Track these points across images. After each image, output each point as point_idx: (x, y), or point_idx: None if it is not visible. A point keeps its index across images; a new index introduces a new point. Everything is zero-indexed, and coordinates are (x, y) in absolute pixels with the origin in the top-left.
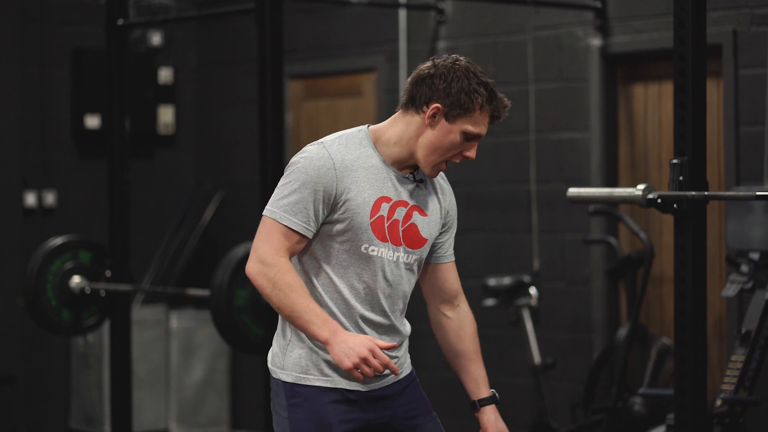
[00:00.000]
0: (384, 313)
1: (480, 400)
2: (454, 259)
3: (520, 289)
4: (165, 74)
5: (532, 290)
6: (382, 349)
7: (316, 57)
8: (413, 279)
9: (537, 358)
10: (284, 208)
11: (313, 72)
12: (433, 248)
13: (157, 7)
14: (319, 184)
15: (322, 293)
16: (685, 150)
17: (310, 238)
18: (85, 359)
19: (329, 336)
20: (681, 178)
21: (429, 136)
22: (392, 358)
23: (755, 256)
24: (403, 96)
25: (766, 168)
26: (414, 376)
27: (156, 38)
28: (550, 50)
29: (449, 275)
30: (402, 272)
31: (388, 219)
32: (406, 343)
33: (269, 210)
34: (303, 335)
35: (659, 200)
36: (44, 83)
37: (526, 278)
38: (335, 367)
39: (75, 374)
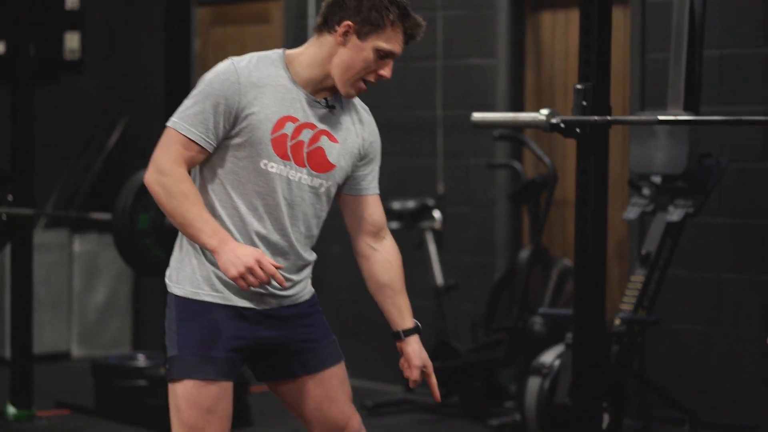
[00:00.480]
0: (283, 233)
1: (404, 331)
2: (378, 192)
3: (424, 212)
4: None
5: (436, 214)
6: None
7: None
8: (320, 205)
9: (439, 279)
10: (185, 119)
11: None
12: (356, 180)
13: None
14: (221, 97)
15: (219, 208)
16: (589, 76)
17: (210, 150)
18: None
19: (218, 244)
20: (584, 103)
21: (342, 55)
22: (288, 280)
23: (657, 179)
24: (317, 19)
25: (670, 93)
26: (315, 302)
27: None
28: None
29: (374, 208)
30: (305, 194)
31: (292, 138)
32: (308, 271)
33: (171, 121)
34: (198, 250)
35: (562, 125)
36: None
37: (430, 202)
38: (227, 283)
39: None
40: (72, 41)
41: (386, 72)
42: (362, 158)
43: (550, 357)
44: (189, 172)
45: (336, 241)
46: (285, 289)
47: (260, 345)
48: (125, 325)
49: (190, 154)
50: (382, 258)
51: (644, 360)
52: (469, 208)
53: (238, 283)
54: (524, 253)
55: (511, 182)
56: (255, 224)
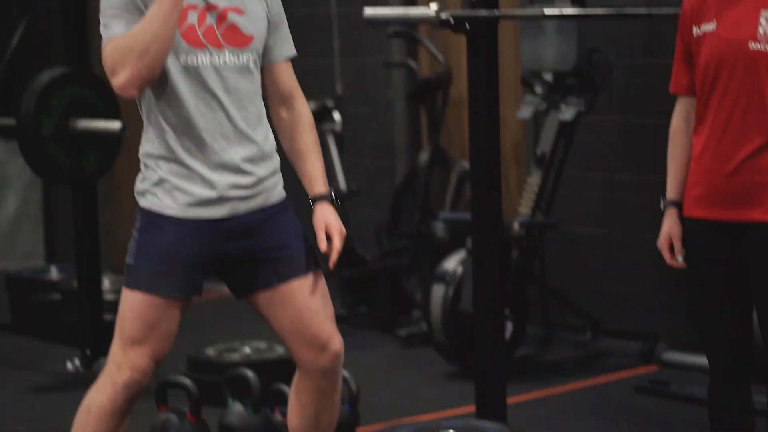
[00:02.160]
0: (232, 120)
1: (314, 197)
2: (287, 57)
3: (324, 113)
4: None
5: (336, 115)
6: None
7: None
8: (255, 79)
9: (342, 184)
10: (109, 28)
11: None
12: (266, 50)
13: None
14: (130, 5)
15: (164, 124)
16: None
17: None
18: None
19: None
20: None
21: None
22: (250, 174)
23: (548, 77)
24: None
25: None
26: (286, 206)
27: None
28: None
29: (282, 75)
30: (237, 75)
31: (200, 25)
32: (274, 165)
33: (103, 34)
34: (161, 164)
35: (452, 20)
36: None
37: (330, 103)
38: (190, 196)
39: None
40: None
41: None
42: (270, 23)
43: (452, 263)
44: None
45: None
46: (251, 183)
47: (226, 257)
48: (38, 237)
49: None
50: (290, 126)
51: (544, 266)
52: (368, 109)
53: None
54: (424, 155)
55: (407, 81)
56: (201, 122)
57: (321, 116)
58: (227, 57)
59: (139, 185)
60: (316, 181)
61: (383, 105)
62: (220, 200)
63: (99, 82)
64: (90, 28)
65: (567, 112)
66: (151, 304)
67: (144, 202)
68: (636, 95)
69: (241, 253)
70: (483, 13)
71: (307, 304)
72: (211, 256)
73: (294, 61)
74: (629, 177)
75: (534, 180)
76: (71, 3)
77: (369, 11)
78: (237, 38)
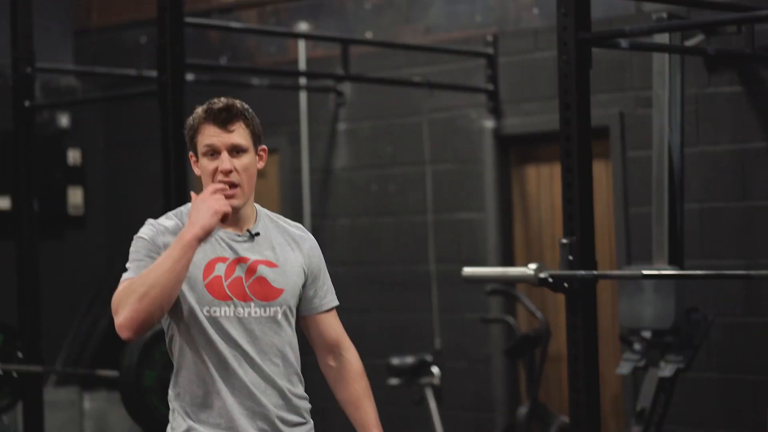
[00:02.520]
0: (258, 371)
1: None
2: (331, 307)
3: (423, 368)
4: (73, 156)
5: (435, 369)
6: None
7: None
8: (283, 332)
9: None
10: (130, 264)
11: None
12: (306, 300)
13: (64, 89)
14: (151, 244)
15: (185, 372)
16: (573, 230)
17: None
18: None
19: (185, 230)
20: (570, 257)
21: (202, 177)
22: (285, 422)
23: (647, 334)
24: None
25: (655, 248)
26: None
27: (64, 120)
28: (446, 132)
29: (326, 324)
30: (263, 327)
31: (227, 278)
32: (302, 419)
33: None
34: (184, 409)
35: (550, 279)
36: None
37: (429, 357)
38: None
39: None
40: (75, 196)
41: (222, 165)
42: (307, 276)
43: None
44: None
45: None
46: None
47: None
48: None
49: None
50: (338, 375)
51: None
52: (467, 363)
53: (219, 212)
54: (522, 409)
55: (505, 337)
56: (222, 373)
57: (420, 370)
58: (253, 309)
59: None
60: (371, 430)
61: (481, 359)
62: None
63: None
64: None
65: (666, 369)
66: None
67: None
68: (735, 353)
69: None
70: (581, 273)
71: None
72: None
73: (394, 316)
74: None
75: None
76: None
77: (467, 270)
78: (265, 291)
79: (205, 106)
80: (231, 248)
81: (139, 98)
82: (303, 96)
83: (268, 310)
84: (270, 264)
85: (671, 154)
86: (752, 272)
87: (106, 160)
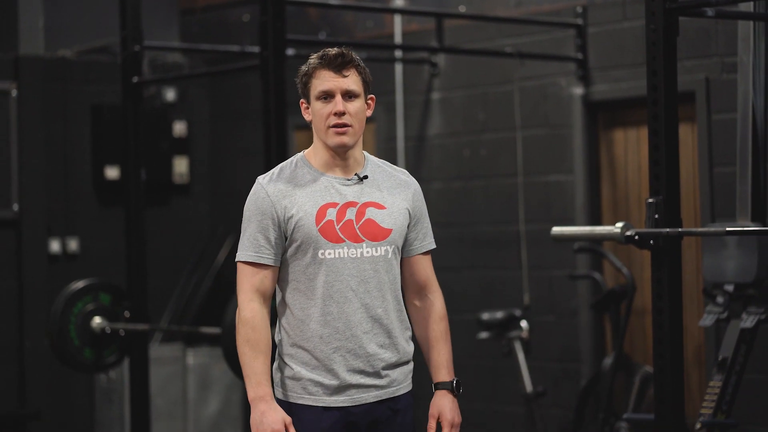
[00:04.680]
0: (369, 310)
1: (435, 384)
2: (425, 251)
3: (512, 322)
4: (179, 127)
5: (523, 323)
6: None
7: None
8: (394, 270)
9: (529, 386)
10: (242, 247)
11: None
12: (407, 243)
13: (170, 65)
14: (260, 214)
15: (298, 313)
16: (659, 190)
17: (273, 264)
18: (108, 395)
19: (253, 397)
20: (656, 216)
21: (313, 122)
22: (381, 360)
23: (730, 288)
24: None
25: (738, 205)
26: (410, 401)
27: (170, 94)
28: (536, 99)
29: (419, 266)
30: (377, 266)
31: (338, 221)
32: (405, 355)
33: (237, 256)
34: (293, 356)
35: (636, 237)
36: (66, 138)
37: (517, 312)
38: (321, 386)
39: (99, 409)
40: (180, 166)
41: (337, 107)
42: (411, 218)
43: None
44: (269, 297)
45: None
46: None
47: None
48: None
49: (259, 278)
50: (421, 316)
51: None
52: (554, 318)
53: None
54: (608, 360)
55: (591, 292)
56: (336, 313)
57: (509, 325)
58: (365, 249)
59: (275, 375)
60: (440, 370)
61: (568, 314)
62: (349, 387)
63: None
64: None
65: (748, 321)
66: None
67: (279, 394)
68: None
69: None
70: (666, 231)
71: None
72: None
73: (485, 273)
74: None
75: (716, 383)
76: None
77: (556, 230)
78: (375, 232)
79: (320, 53)
80: (340, 193)
81: (241, 73)
82: (398, 68)
83: (378, 249)
84: (378, 206)
85: (755, 117)
86: None
87: (210, 132)
